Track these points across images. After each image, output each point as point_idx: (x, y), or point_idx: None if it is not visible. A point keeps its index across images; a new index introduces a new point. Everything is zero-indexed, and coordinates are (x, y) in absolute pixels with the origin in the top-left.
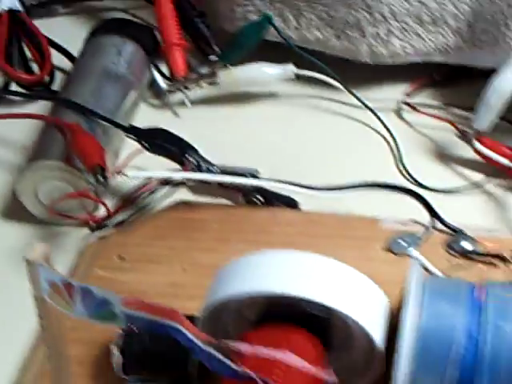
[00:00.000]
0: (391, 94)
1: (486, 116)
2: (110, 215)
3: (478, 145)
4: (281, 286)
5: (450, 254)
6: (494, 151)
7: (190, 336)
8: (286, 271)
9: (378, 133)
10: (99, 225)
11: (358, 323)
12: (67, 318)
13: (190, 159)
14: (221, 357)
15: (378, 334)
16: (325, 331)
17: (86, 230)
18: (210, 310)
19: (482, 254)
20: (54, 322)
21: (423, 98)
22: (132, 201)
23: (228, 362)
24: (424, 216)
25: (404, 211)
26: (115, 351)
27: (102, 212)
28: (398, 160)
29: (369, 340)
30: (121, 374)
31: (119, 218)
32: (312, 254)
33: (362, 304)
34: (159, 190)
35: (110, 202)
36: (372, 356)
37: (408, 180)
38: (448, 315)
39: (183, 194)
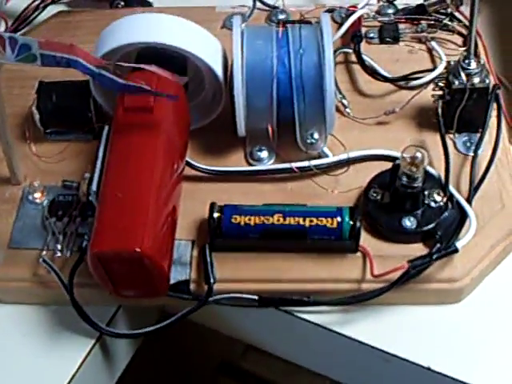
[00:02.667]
0: None
1: None
2: (10, 28)
3: None
4: (146, 36)
5: (270, 24)
6: None
7: (86, 64)
8: (149, 26)
9: None
10: None
11: (204, 60)
12: None
13: None
14: (111, 75)
15: (218, 68)
16: (183, 75)
17: None
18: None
19: (293, 21)
20: None
21: None
22: (25, 16)
23: (117, 78)
24: (249, 2)
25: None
26: (35, 111)
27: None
28: None
29: (213, 75)
30: (42, 129)
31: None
32: (169, 15)
33: (206, 47)
34: (45, 6)
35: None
36: (217, 91)
37: None
38: (263, 49)
39: (62, 8)
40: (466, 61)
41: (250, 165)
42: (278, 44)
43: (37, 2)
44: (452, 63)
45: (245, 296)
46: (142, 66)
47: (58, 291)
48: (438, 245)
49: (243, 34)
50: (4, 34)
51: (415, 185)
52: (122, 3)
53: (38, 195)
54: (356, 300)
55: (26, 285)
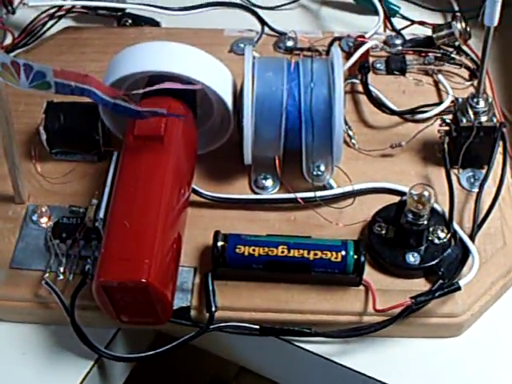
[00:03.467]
0: None
1: None
2: (16, 41)
3: None
4: (157, 65)
5: (278, 51)
6: None
7: (101, 94)
8: (160, 55)
9: None
10: (7, 50)
11: (212, 88)
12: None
13: None
14: (126, 104)
15: (228, 97)
16: (193, 104)
17: None
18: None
19: (302, 49)
20: (4, 96)
21: None
22: (32, 29)
23: (132, 106)
24: (257, 26)
25: (242, 23)
26: (42, 131)
27: (8, 41)
28: None
29: (222, 103)
30: (48, 149)
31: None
32: (180, 43)
33: (215, 76)
34: (51, 20)
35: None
36: (225, 118)
37: (243, 1)
38: (273, 81)
39: (69, 23)
40: (475, 99)
41: (254, 192)
42: (289, 76)
43: (43, 16)
44: (460, 100)
45: (246, 325)
46: (155, 87)
47: (59, 312)
48: (441, 281)
49: (254, 65)
50: (19, 60)
51: (420, 222)
52: (130, 21)
53: (44, 220)
54: (358, 333)
55: (26, 305)
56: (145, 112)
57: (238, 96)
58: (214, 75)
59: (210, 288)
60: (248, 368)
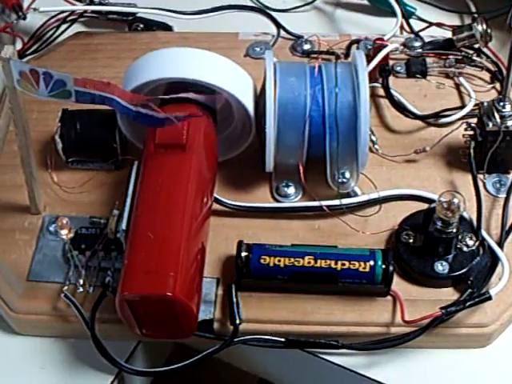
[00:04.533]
0: None
1: None
2: (25, 47)
3: None
4: (178, 71)
5: (295, 54)
6: None
7: (123, 102)
8: (180, 61)
9: None
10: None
11: (234, 95)
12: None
13: None
14: (149, 111)
15: (249, 103)
16: (213, 109)
17: None
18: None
19: (320, 52)
20: (21, 106)
21: None
22: (41, 34)
23: (153, 113)
24: (272, 29)
25: (257, 27)
26: (58, 140)
27: (18, 46)
28: None
29: (243, 110)
30: (64, 158)
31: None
32: (198, 49)
33: (237, 82)
34: (61, 25)
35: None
36: (246, 124)
37: (255, 3)
38: (296, 86)
39: (79, 28)
40: (501, 103)
41: (276, 200)
42: (313, 81)
43: (53, 21)
44: (485, 104)
45: (271, 338)
46: (180, 95)
47: (78, 325)
48: (470, 290)
49: (276, 70)
50: (38, 68)
51: (450, 230)
52: (142, 26)
53: (64, 232)
54: (385, 345)
55: (44, 318)
56: (168, 119)
57: (259, 101)
58: (235, 81)
59: (234, 300)
60: (268, 380)
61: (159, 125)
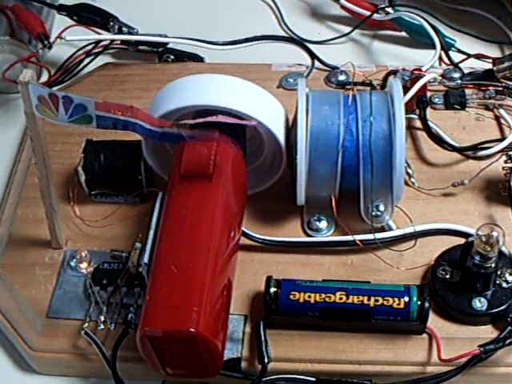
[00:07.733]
0: None
1: None
2: (52, 79)
3: (343, 1)
4: (207, 99)
5: (329, 85)
6: (356, 6)
7: (146, 125)
8: (210, 88)
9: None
10: None
11: (266, 125)
12: None
13: (113, 25)
14: (176, 131)
15: (280, 133)
16: (242, 139)
17: None
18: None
19: (355, 83)
20: (41, 133)
21: None
22: (69, 66)
23: (182, 132)
24: (307, 60)
25: (290, 58)
26: (81, 171)
27: (44, 78)
28: (281, 20)
29: (274, 140)
30: (87, 190)
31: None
32: (228, 76)
33: (268, 111)
34: (89, 56)
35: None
36: (277, 156)
37: (289, 34)
38: (329, 116)
39: (108, 60)
40: None
41: (307, 234)
42: (346, 110)
43: (81, 52)
44: None
45: (301, 377)
46: (208, 119)
47: (99, 364)
48: (510, 328)
49: (308, 98)
50: (59, 92)
51: (488, 265)
52: (172, 57)
53: (84, 265)
54: None
55: (64, 356)
56: (197, 135)
57: (290, 132)
58: (266, 110)
59: (262, 338)
60: None
61: (189, 139)
